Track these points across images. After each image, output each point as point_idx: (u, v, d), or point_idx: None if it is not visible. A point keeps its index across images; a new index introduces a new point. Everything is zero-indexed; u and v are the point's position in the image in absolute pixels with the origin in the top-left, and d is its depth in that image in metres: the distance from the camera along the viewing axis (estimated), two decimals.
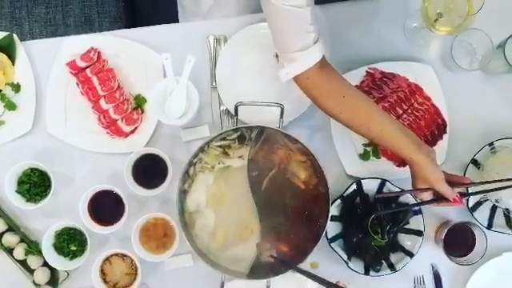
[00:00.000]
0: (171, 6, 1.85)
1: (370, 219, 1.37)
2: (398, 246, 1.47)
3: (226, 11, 1.64)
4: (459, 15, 1.34)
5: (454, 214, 1.51)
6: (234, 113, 1.42)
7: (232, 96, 1.50)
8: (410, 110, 1.51)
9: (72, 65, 1.52)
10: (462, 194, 1.30)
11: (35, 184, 1.48)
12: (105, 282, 1.47)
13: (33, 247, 1.49)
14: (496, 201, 1.46)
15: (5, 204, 1.51)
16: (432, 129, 1.51)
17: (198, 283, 1.50)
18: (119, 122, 1.51)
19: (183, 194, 1.40)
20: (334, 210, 1.46)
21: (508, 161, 1.45)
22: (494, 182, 1.30)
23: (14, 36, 1.54)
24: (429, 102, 1.52)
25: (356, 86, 1.49)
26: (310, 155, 1.35)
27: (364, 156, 1.52)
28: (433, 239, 1.51)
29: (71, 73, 1.53)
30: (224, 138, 1.40)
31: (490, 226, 1.48)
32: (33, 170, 1.49)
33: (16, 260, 1.50)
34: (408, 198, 1.44)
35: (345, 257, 1.45)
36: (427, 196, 1.29)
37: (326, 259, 1.49)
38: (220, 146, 1.41)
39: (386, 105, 1.50)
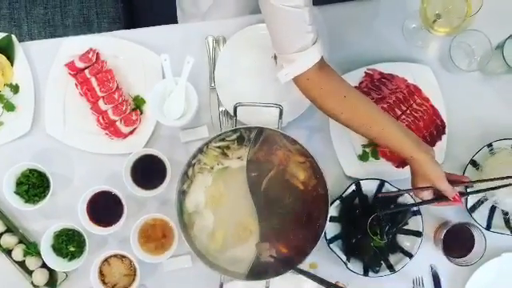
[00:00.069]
0: (170, 6, 1.85)
1: (369, 220, 1.37)
2: (397, 247, 1.47)
3: (225, 12, 1.65)
4: (458, 16, 1.34)
5: (453, 214, 1.51)
6: (232, 114, 1.41)
7: (231, 97, 1.50)
8: (408, 111, 1.52)
9: (71, 66, 1.52)
10: (461, 194, 1.30)
11: (34, 185, 1.48)
12: (103, 283, 1.46)
13: (31, 248, 1.49)
14: (495, 202, 1.46)
15: (3, 205, 1.51)
16: (431, 130, 1.52)
17: (197, 284, 1.50)
18: (118, 123, 1.51)
19: (182, 194, 1.40)
20: (332, 211, 1.46)
21: (507, 162, 1.45)
22: (493, 180, 1.31)
23: (13, 37, 1.54)
24: (427, 103, 1.52)
25: (355, 86, 1.49)
26: (309, 156, 1.35)
27: (363, 157, 1.52)
28: (432, 240, 1.51)
29: (70, 74, 1.53)
30: (223, 139, 1.40)
31: (488, 227, 1.48)
32: (31, 170, 1.49)
33: (14, 261, 1.50)
34: (407, 199, 1.44)
35: (344, 258, 1.45)
36: (427, 195, 1.29)
37: (325, 260, 1.49)
38: (219, 147, 1.41)
39: (385, 106, 1.50)
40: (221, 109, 1.54)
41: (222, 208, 1.42)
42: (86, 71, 1.52)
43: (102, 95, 1.51)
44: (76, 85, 1.53)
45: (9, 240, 1.49)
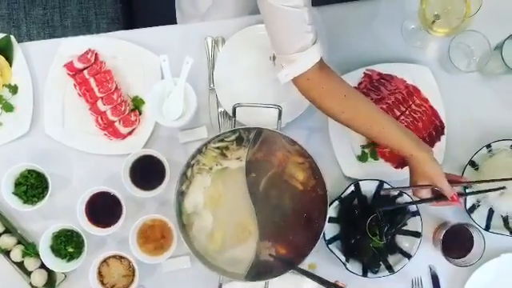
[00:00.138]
0: (169, 7, 1.85)
1: (368, 220, 1.37)
2: (395, 248, 1.47)
3: (224, 13, 1.65)
4: (457, 17, 1.34)
5: (452, 215, 1.52)
6: (231, 114, 1.41)
7: (230, 97, 1.50)
8: (407, 112, 1.52)
9: (69, 66, 1.52)
10: (460, 194, 1.30)
11: (32, 186, 1.48)
12: (102, 283, 1.46)
13: (30, 249, 1.49)
14: (492, 206, 1.47)
15: (2, 206, 1.51)
16: (430, 130, 1.52)
17: (196, 285, 1.50)
18: (117, 124, 1.51)
19: (181, 195, 1.40)
20: (331, 212, 1.46)
21: (506, 163, 1.45)
22: (492, 181, 1.31)
23: (12, 37, 1.54)
24: (426, 104, 1.52)
25: (354, 87, 1.49)
26: (308, 156, 1.35)
27: (362, 157, 1.52)
28: (431, 241, 1.51)
29: (69, 74, 1.53)
30: (222, 140, 1.40)
31: (487, 228, 1.48)
32: (30, 171, 1.48)
33: (13, 262, 1.50)
34: (406, 199, 1.44)
35: (343, 258, 1.45)
36: (426, 194, 1.29)
37: (324, 261, 1.49)
38: (218, 148, 1.41)
39: (384, 106, 1.50)
40: (220, 109, 1.54)
41: (221, 209, 1.41)
42: (85, 72, 1.51)
43: (100, 96, 1.51)
44: (75, 85, 1.53)
45: (7, 241, 1.49)
